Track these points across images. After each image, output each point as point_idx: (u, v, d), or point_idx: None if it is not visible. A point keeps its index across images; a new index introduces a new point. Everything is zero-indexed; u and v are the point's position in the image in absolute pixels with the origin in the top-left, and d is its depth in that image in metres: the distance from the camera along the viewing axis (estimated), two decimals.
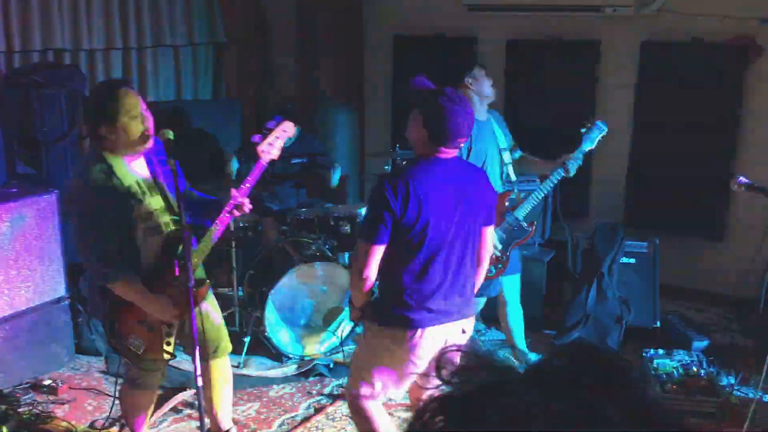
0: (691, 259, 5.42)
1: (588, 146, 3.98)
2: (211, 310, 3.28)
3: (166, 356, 3.07)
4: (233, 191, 3.05)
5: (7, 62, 4.77)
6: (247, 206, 3.07)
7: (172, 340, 3.06)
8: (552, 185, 3.99)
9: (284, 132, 3.24)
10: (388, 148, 5.52)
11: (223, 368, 3.37)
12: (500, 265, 3.95)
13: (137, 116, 2.85)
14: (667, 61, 5.30)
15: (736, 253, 5.18)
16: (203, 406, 2.96)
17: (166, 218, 3.02)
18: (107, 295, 2.98)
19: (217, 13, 6.16)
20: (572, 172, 3.94)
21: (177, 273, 2.94)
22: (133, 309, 2.99)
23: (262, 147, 3.13)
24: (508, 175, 4.08)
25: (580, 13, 5.39)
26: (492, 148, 3.99)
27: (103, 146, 2.91)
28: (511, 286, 4.26)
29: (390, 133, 6.35)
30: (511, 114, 5.92)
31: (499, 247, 3.91)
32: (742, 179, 3.54)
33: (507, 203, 3.99)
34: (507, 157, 4.06)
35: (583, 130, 4.02)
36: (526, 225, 4.02)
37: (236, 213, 3.08)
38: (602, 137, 4.02)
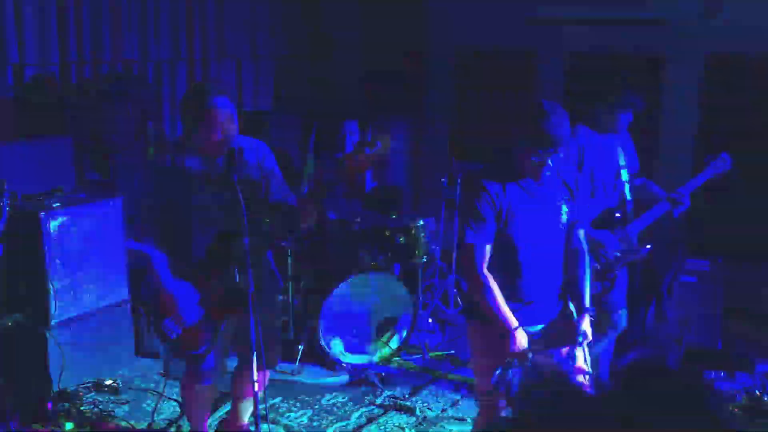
0: (757, 282, 5.25)
1: (702, 181, 3.84)
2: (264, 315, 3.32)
3: (202, 351, 3.11)
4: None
5: (78, 72, 4.95)
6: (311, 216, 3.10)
7: (210, 336, 3.09)
8: (657, 215, 3.87)
9: (376, 147, 2.99)
10: (446, 161, 5.53)
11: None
12: (607, 284, 3.73)
13: (217, 127, 2.92)
14: (731, 74, 5.18)
15: None
16: (259, 411, 3.00)
17: (225, 214, 3.00)
18: (153, 275, 3.05)
19: (280, 25, 6.28)
20: (676, 213, 3.85)
21: (236, 278, 2.99)
22: (171, 293, 3.04)
23: (346, 163, 2.98)
24: (622, 192, 3.88)
25: (642, 26, 5.31)
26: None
27: (186, 138, 3.04)
28: None
29: (447, 146, 6.36)
30: (572, 128, 5.86)
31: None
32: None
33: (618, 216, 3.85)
34: (624, 174, 3.86)
35: (705, 160, 3.90)
36: (636, 245, 3.82)
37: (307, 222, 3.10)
38: (724, 173, 3.87)
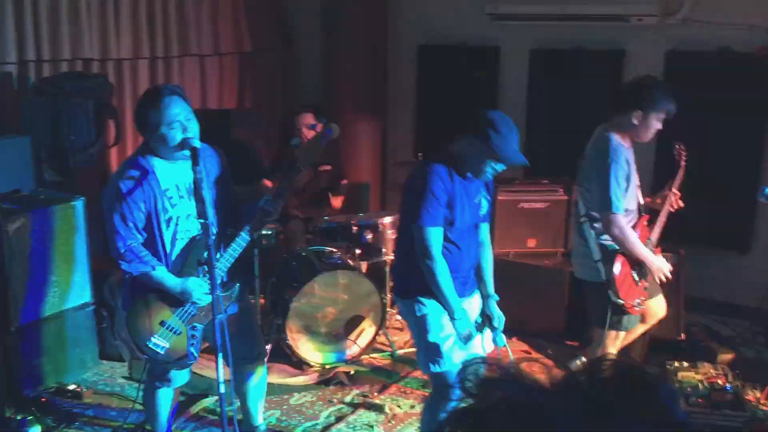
0: (717, 272, 5.35)
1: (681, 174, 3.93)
2: (249, 311, 3.40)
3: (191, 358, 3.10)
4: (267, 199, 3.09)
5: (37, 71, 4.85)
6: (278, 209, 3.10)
7: (197, 342, 3.10)
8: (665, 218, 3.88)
9: (326, 135, 3.17)
10: (411, 157, 5.53)
11: (258, 370, 3.51)
12: (644, 297, 3.75)
13: (177, 127, 2.90)
14: (692, 70, 5.25)
15: (763, 265, 5.11)
16: (225, 414, 2.98)
17: (197, 224, 3.03)
18: (135, 291, 3.07)
19: (243, 22, 6.22)
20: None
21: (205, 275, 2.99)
22: (155, 310, 3.05)
23: (301, 151, 3.16)
24: (638, 197, 3.83)
25: (604, 23, 5.37)
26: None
27: (150, 147, 3.00)
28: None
29: (412, 143, 6.36)
30: (534, 123, 5.91)
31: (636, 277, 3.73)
32: (766, 189, 3.50)
33: (647, 227, 3.82)
34: (637, 179, 3.83)
35: (675, 154, 3.96)
36: (655, 251, 3.84)
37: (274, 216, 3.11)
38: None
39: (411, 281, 3.13)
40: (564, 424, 0.68)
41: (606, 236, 3.64)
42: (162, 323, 3.06)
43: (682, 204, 3.91)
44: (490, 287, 3.31)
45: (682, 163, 3.98)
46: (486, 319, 3.29)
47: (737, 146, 5.16)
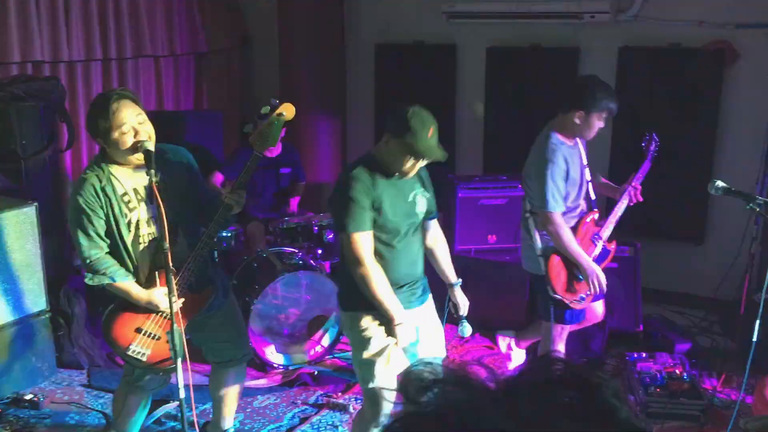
0: (672, 263, 5.46)
1: (648, 166, 3.93)
2: (232, 313, 3.36)
3: (176, 361, 3.05)
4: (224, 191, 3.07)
5: None
6: (242, 199, 3.05)
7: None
8: (623, 210, 3.92)
9: (280, 116, 3.06)
10: None
11: (240, 372, 3.48)
12: (589, 292, 3.76)
13: (128, 131, 2.86)
14: (645, 66, 5.36)
15: (717, 255, 5.23)
16: (187, 419, 2.95)
17: (154, 228, 3.02)
18: (105, 304, 3.05)
19: (198, 23, 6.15)
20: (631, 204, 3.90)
21: (160, 284, 2.97)
22: (129, 318, 3.02)
23: (254, 137, 3.05)
24: (588, 193, 3.89)
25: (558, 20, 5.44)
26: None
27: (106, 153, 2.96)
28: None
29: (372, 141, 6.36)
30: (492, 121, 5.97)
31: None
32: (720, 183, 3.57)
33: (594, 222, 3.85)
34: (587, 174, 3.88)
35: (643, 145, 3.96)
36: (607, 245, 3.90)
37: (237, 208, 3.06)
38: (657, 151, 3.99)
39: (350, 293, 3.04)
40: (507, 427, 0.68)
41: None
42: (138, 330, 3.04)
43: (641, 198, 3.94)
44: (452, 275, 3.32)
45: (649, 155, 4.00)
46: (453, 309, 3.32)
47: (690, 139, 5.27)
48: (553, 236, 3.67)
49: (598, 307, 4.07)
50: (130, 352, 3.02)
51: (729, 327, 4.89)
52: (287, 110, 3.09)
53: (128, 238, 2.97)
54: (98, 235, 2.93)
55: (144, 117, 2.91)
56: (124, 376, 3.35)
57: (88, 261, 2.94)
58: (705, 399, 3.97)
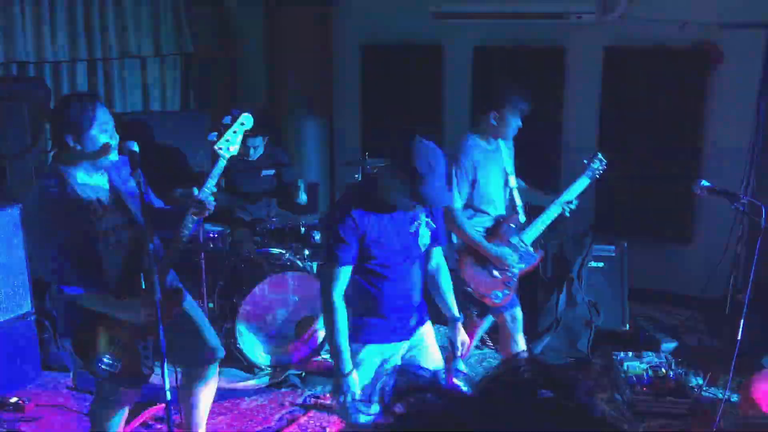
0: (658, 262, 5.49)
1: (586, 182, 3.95)
2: (194, 315, 3.27)
3: (146, 373, 3.03)
4: (195, 194, 3.04)
5: None
6: (210, 205, 3.01)
7: (150, 355, 3.02)
8: (552, 219, 3.94)
9: (242, 125, 3.18)
10: (358, 156, 5.52)
11: (208, 376, 3.37)
12: (507, 291, 3.83)
13: (106, 130, 2.85)
14: (630, 66, 5.38)
15: (703, 255, 5.26)
16: (173, 422, 2.92)
17: (129, 232, 2.98)
18: (76, 316, 2.96)
19: (184, 23, 6.12)
20: (567, 213, 3.94)
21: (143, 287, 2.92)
22: (102, 330, 2.95)
23: (219, 144, 3.11)
24: (513, 199, 3.94)
25: (545, 20, 5.45)
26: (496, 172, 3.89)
27: (64, 159, 2.89)
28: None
29: (360, 142, 6.36)
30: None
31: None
32: (704, 183, 3.59)
33: (512, 225, 3.88)
34: (512, 181, 3.92)
35: (585, 161, 3.98)
36: (532, 250, 3.92)
37: (201, 214, 3.01)
38: (601, 171, 3.99)
39: None
40: (481, 429, 0.68)
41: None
42: (111, 341, 2.96)
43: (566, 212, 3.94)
44: (454, 310, 3.13)
45: (588, 173, 3.96)
46: (450, 347, 3.13)
47: (676, 139, 5.30)
48: (453, 230, 3.73)
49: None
50: (102, 365, 2.95)
51: (715, 326, 4.92)
52: (247, 120, 3.21)
53: (96, 247, 2.90)
54: (65, 238, 2.84)
55: (111, 121, 2.92)
56: (97, 394, 3.25)
57: (58, 267, 2.86)
58: (691, 398, 3.99)
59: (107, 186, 2.96)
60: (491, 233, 3.83)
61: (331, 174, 6.62)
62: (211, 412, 3.96)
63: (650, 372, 4.15)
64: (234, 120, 3.20)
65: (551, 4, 5.37)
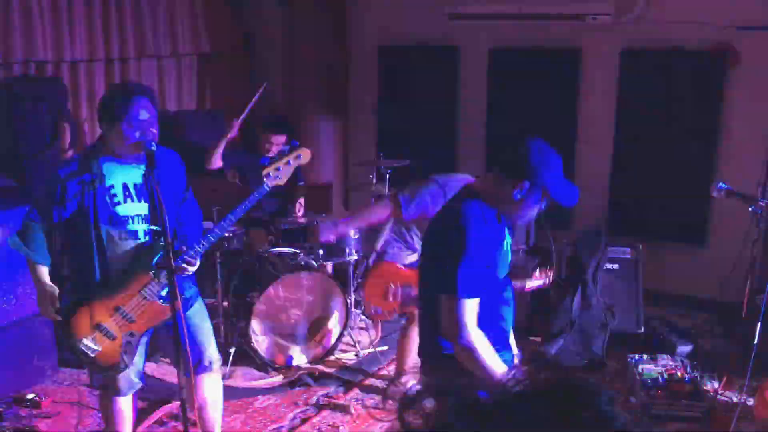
0: (674, 265, 5.45)
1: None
2: (191, 321, 3.19)
3: (122, 366, 3.03)
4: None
5: None
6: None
7: (132, 349, 3.03)
8: None
9: (297, 159, 3.18)
10: (373, 157, 5.53)
11: (210, 383, 3.32)
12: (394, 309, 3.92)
13: (136, 127, 2.86)
14: (647, 68, 5.36)
15: (719, 258, 5.22)
16: (188, 419, 2.94)
17: (145, 227, 2.99)
18: (67, 292, 3.02)
19: (201, 23, 6.16)
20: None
21: (151, 282, 2.94)
22: (92, 312, 2.96)
23: (268, 170, 3.09)
24: None
25: (561, 22, 5.44)
26: None
27: (104, 142, 2.95)
28: None
29: (375, 142, 6.37)
30: (494, 123, 5.97)
31: None
32: (722, 185, 3.56)
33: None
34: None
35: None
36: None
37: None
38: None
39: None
40: None
41: None
42: (98, 326, 2.98)
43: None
44: (514, 343, 2.75)
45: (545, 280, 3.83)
46: None
47: (692, 141, 5.27)
48: None
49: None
50: (81, 345, 2.97)
51: (731, 329, 4.89)
52: (304, 155, 3.22)
53: (105, 232, 2.92)
54: (62, 205, 2.90)
55: (156, 120, 2.93)
56: (100, 382, 3.29)
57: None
58: (706, 401, 3.97)
59: (140, 177, 2.96)
60: None
61: (345, 174, 6.63)
62: (225, 410, 3.98)
63: (665, 375, 4.13)
64: (291, 151, 3.20)
65: (568, 5, 5.36)
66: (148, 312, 2.98)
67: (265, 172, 3.09)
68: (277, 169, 3.11)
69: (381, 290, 3.95)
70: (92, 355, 2.98)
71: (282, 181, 3.13)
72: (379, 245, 3.91)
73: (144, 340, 3.08)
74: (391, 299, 3.93)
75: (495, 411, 0.71)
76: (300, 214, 5.28)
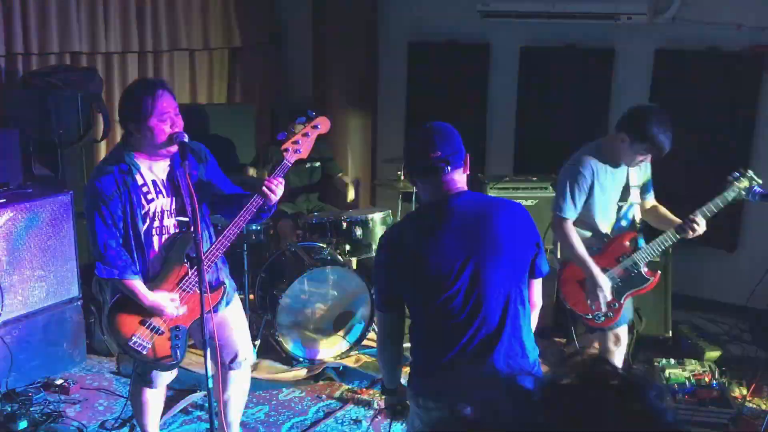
0: (704, 269, 5.38)
1: (723, 202, 3.56)
2: (230, 317, 3.23)
3: (175, 360, 3.07)
4: (266, 181, 3.00)
5: (25, 64, 4.82)
6: (277, 193, 2.98)
7: (181, 343, 3.06)
8: (673, 240, 3.67)
9: (315, 129, 3.08)
10: (401, 154, 5.51)
11: (239, 379, 3.35)
12: (611, 314, 3.65)
13: (166, 120, 2.87)
14: (681, 69, 5.28)
15: (750, 263, 5.14)
16: (213, 408, 2.97)
17: (173, 220, 3.02)
18: (111, 293, 3.03)
19: (233, 17, 6.20)
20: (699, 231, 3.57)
21: (189, 274, 2.96)
22: (135, 309, 2.99)
23: (287, 145, 3.04)
24: (632, 218, 3.73)
25: (594, 21, 5.39)
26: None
27: (129, 142, 2.96)
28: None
29: (403, 139, 6.36)
30: (524, 121, 5.93)
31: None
32: (758, 189, 3.50)
33: (628, 244, 3.68)
34: (636, 196, 3.73)
35: (731, 177, 3.60)
36: (645, 272, 3.67)
37: (270, 197, 2.96)
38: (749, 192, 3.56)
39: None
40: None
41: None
42: (143, 322, 3.00)
43: (699, 232, 3.65)
44: None
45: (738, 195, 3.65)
46: None
47: (726, 144, 5.19)
48: (561, 241, 3.61)
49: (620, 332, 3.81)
50: (131, 343, 2.98)
51: (760, 336, 4.82)
52: (322, 123, 3.12)
53: (142, 230, 2.95)
54: (114, 224, 2.90)
55: (178, 110, 2.94)
56: (134, 371, 3.33)
57: (102, 250, 2.91)
58: (734, 408, 3.92)
59: (164, 172, 2.99)
60: (603, 251, 3.66)
61: (372, 171, 6.63)
62: (249, 402, 4.02)
63: (693, 380, 4.08)
64: (309, 121, 3.08)
65: (601, 4, 5.30)
66: (189, 304, 3.01)
67: (283, 147, 3.03)
68: (296, 143, 3.04)
69: (582, 296, 3.69)
70: (144, 352, 3.00)
71: (304, 155, 3.06)
72: (558, 253, 3.75)
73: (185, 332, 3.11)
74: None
75: (545, 402, 0.71)
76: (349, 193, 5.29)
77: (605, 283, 3.60)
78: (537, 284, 2.56)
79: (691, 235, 3.61)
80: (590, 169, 3.53)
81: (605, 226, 3.67)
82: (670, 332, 4.76)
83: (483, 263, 2.37)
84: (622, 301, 3.68)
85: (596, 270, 3.58)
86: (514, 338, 2.41)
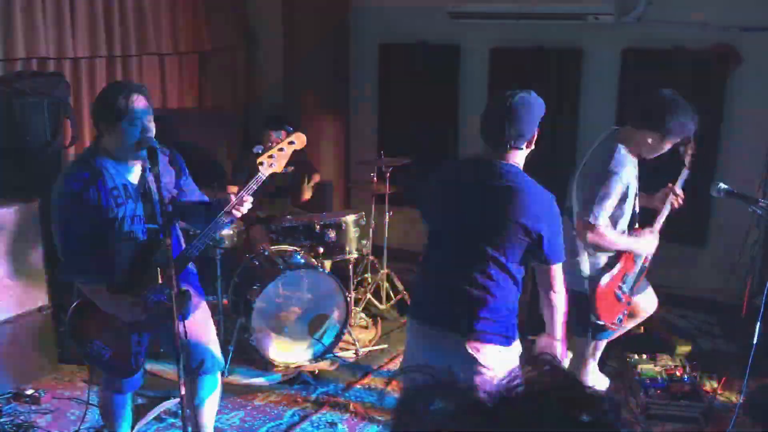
0: (674, 265, 5.45)
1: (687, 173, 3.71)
2: (197, 323, 3.19)
3: (134, 367, 3.04)
4: (231, 193, 3.01)
5: None
6: (246, 206, 3.01)
7: (143, 350, 3.04)
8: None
9: (291, 144, 3.13)
10: (374, 155, 5.53)
11: (208, 385, 3.31)
12: (626, 312, 3.65)
13: (138, 124, 2.84)
14: (648, 68, 5.35)
15: (719, 258, 5.23)
16: (187, 415, 2.94)
17: (142, 227, 2.99)
18: (74, 295, 3.00)
19: (202, 21, 6.16)
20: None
21: (156, 280, 2.94)
22: (97, 314, 2.96)
23: (262, 159, 3.06)
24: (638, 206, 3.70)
25: (562, 21, 5.44)
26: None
27: (101, 144, 2.93)
28: None
29: (375, 140, 6.37)
30: None
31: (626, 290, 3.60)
32: (722, 185, 3.56)
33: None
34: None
35: (681, 149, 3.76)
36: (642, 260, 3.71)
37: (236, 213, 2.99)
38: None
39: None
40: None
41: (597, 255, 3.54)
42: (104, 328, 2.97)
43: (682, 203, 3.78)
44: None
45: (687, 160, 3.84)
46: None
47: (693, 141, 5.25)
48: (600, 245, 3.48)
49: (649, 299, 3.91)
50: (91, 349, 2.96)
51: (730, 330, 4.89)
52: (298, 139, 3.16)
53: (109, 234, 2.91)
54: (81, 227, 2.87)
55: (152, 116, 2.92)
56: (102, 377, 3.28)
57: (66, 253, 2.89)
58: (705, 401, 3.97)
59: (134, 177, 2.96)
60: (622, 255, 3.61)
61: (346, 172, 6.63)
62: (224, 408, 4.00)
63: (664, 375, 4.13)
64: (286, 136, 3.14)
65: (569, 5, 5.36)
66: (154, 311, 2.98)
67: (259, 160, 3.06)
68: (271, 156, 3.07)
69: (614, 311, 3.64)
70: (104, 359, 2.98)
71: (278, 168, 3.09)
72: (587, 270, 3.57)
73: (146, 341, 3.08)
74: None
75: (496, 411, 0.71)
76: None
77: (649, 240, 3.66)
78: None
79: (677, 205, 3.79)
80: (626, 175, 3.49)
81: (625, 223, 3.62)
82: (642, 328, 4.81)
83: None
84: (635, 297, 3.68)
85: (643, 242, 3.62)
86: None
